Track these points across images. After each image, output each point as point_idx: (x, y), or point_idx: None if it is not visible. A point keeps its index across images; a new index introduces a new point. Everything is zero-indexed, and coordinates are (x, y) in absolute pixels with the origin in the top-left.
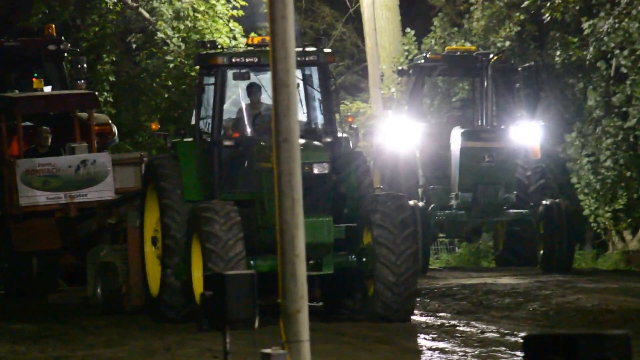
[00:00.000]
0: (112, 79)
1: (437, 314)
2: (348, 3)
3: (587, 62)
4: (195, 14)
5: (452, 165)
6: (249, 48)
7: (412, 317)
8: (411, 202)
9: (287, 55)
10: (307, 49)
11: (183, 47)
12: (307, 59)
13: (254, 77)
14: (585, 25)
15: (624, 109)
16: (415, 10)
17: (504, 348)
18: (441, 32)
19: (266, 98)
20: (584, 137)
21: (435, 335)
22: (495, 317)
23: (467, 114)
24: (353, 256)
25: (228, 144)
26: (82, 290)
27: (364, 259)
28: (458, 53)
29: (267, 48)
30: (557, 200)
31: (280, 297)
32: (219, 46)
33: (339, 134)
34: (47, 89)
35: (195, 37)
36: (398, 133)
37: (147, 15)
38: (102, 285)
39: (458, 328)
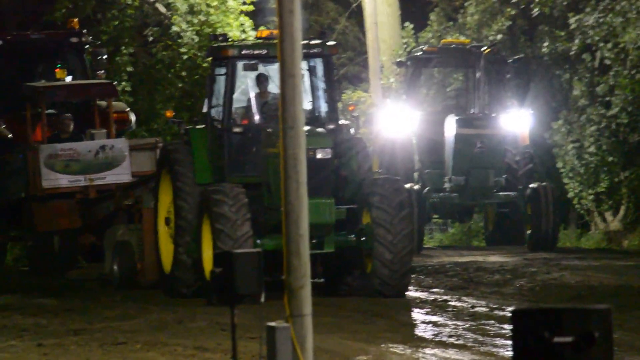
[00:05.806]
0: (129, 69)
1: (430, 290)
2: None
3: (573, 54)
4: (208, 9)
5: (446, 150)
6: (258, 41)
7: (407, 293)
8: (407, 185)
9: (293, 47)
10: (312, 42)
11: (196, 40)
12: (312, 51)
13: (262, 68)
14: (571, 19)
15: (607, 99)
16: (414, 5)
17: (493, 321)
18: (437, 26)
19: (273, 87)
20: (570, 125)
21: (428, 310)
22: (485, 293)
23: (460, 103)
24: (353, 236)
25: (237, 131)
26: (100, 267)
27: (363, 238)
28: (453, 46)
29: (275, 41)
30: (543, 183)
31: (284, 273)
32: (230, 39)
33: (341, 122)
34: (69, 79)
35: (208, 30)
36: (396, 121)
37: (163, 9)
38: (119, 263)
39: (450, 303)
